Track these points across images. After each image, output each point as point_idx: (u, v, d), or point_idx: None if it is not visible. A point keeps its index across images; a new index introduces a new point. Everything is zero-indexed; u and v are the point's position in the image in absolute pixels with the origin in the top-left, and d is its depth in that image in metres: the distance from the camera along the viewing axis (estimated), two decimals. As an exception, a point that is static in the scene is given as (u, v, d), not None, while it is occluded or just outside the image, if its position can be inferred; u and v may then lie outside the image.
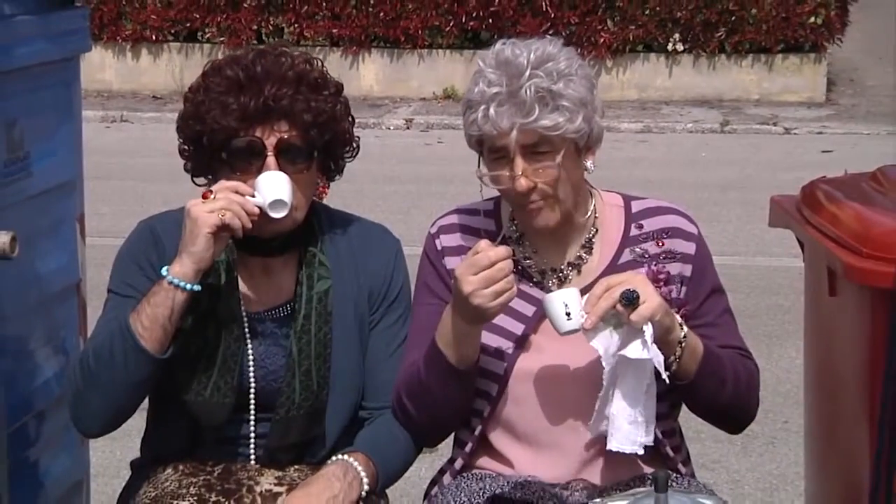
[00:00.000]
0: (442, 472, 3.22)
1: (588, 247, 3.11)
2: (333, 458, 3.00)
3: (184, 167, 3.09)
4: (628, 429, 2.88)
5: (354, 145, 3.12)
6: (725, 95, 14.94)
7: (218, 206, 2.86)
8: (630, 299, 2.80)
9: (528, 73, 2.93)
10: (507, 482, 3.10)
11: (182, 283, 2.86)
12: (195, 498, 2.99)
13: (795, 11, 14.71)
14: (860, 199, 3.37)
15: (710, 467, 5.10)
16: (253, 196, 2.92)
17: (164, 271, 2.87)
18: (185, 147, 3.06)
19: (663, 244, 3.10)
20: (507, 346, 3.04)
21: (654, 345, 2.83)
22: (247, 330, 3.07)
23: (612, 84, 14.45)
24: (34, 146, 3.17)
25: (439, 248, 3.14)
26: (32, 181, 3.17)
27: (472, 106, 2.97)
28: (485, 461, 3.14)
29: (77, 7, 3.35)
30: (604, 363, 2.86)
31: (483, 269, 2.81)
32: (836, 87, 15.49)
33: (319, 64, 3.09)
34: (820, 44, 15.01)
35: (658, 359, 2.83)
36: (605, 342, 2.84)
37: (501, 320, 3.02)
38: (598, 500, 2.54)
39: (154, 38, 15.56)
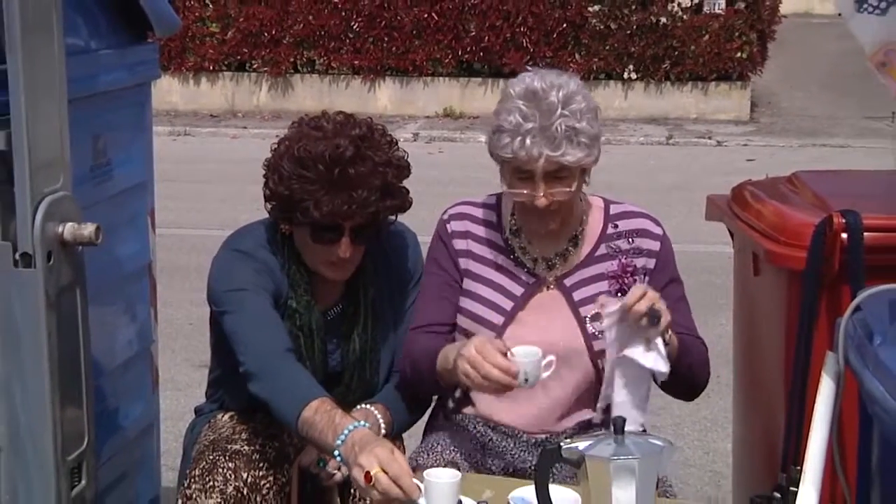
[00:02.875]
0: (434, 415, 3.20)
1: (574, 241, 3.06)
2: (358, 406, 2.98)
3: (265, 206, 2.99)
4: (633, 413, 2.82)
5: (409, 204, 3.04)
6: (670, 115, 14.92)
7: (375, 495, 2.55)
8: (655, 318, 2.73)
9: (558, 112, 2.86)
10: (490, 429, 3.09)
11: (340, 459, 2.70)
12: (245, 442, 2.98)
13: (726, 48, 14.70)
14: (778, 198, 3.37)
15: (656, 413, 5.08)
16: (419, 495, 2.54)
17: (339, 441, 2.65)
18: (271, 200, 2.95)
19: (633, 242, 3.06)
20: (497, 319, 3.01)
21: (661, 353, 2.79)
22: (315, 325, 3.03)
23: (579, 105, 14.46)
24: (114, 155, 3.17)
25: (450, 231, 3.10)
26: (113, 183, 3.17)
27: (506, 132, 2.88)
28: (469, 408, 3.12)
29: (149, 43, 3.35)
30: (609, 352, 2.82)
31: (486, 357, 2.71)
32: (758, 109, 15.47)
33: (396, 153, 2.98)
34: (745, 74, 15.00)
35: (665, 367, 2.80)
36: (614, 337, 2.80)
37: (495, 297, 3.02)
38: (567, 439, 2.53)
39: (211, 68, 15.53)
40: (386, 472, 2.52)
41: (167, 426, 3.62)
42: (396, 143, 3.00)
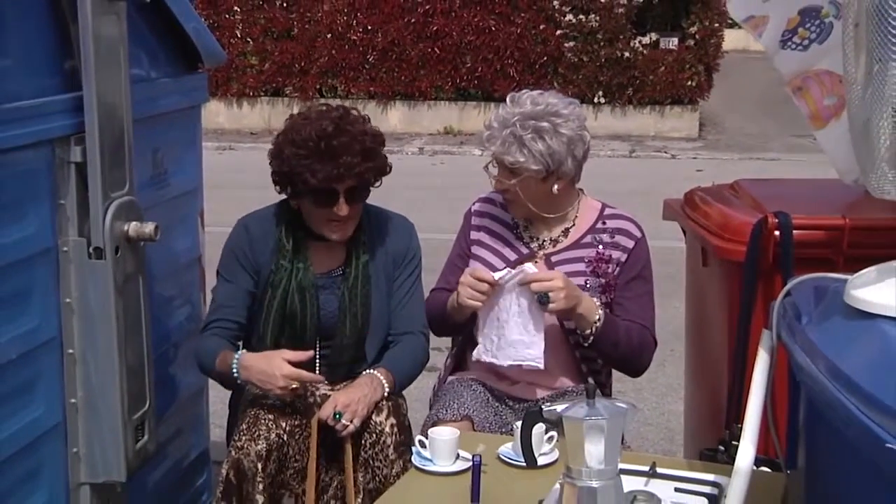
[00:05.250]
0: (441, 379, 3.22)
1: (565, 232, 3.10)
2: (364, 372, 3.01)
3: (274, 188, 3.07)
4: (529, 351, 2.95)
5: (389, 168, 3.09)
6: (633, 133, 14.93)
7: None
8: (542, 301, 2.83)
9: (511, 123, 2.93)
10: (484, 389, 3.10)
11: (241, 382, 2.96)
12: (277, 399, 2.99)
13: (679, 77, 14.74)
14: (722, 202, 3.37)
15: (621, 380, 5.04)
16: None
17: (234, 372, 2.93)
18: (277, 181, 3.04)
19: (614, 238, 3.07)
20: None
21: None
22: (314, 285, 3.07)
23: (557, 125, 14.48)
24: (171, 165, 3.17)
25: (473, 210, 3.20)
26: (170, 189, 3.17)
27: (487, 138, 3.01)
28: (472, 373, 3.14)
29: (199, 72, 3.34)
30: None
31: (477, 279, 2.89)
32: (706, 128, 15.47)
33: (370, 126, 3.05)
34: (694, 99, 15.03)
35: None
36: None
37: (492, 259, 3.10)
38: (548, 403, 2.53)
39: (251, 94, 15.54)
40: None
41: (214, 390, 3.61)
42: (369, 120, 3.09)
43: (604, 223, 3.10)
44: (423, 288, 3.18)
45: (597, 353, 3.05)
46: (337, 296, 3.07)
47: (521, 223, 3.13)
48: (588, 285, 3.02)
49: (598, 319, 2.93)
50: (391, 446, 2.91)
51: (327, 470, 3.00)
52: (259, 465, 2.84)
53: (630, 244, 3.07)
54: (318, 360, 3.08)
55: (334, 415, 2.87)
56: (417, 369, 3.12)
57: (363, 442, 2.92)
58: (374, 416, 2.93)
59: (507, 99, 3.03)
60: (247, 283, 3.07)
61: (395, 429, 2.93)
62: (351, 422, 2.87)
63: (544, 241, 3.11)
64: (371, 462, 2.91)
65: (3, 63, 2.41)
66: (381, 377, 2.99)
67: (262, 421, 2.91)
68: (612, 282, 3.04)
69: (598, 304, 2.96)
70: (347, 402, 2.88)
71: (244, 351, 2.96)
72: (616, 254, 3.06)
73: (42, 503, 2.59)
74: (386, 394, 2.97)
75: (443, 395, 3.08)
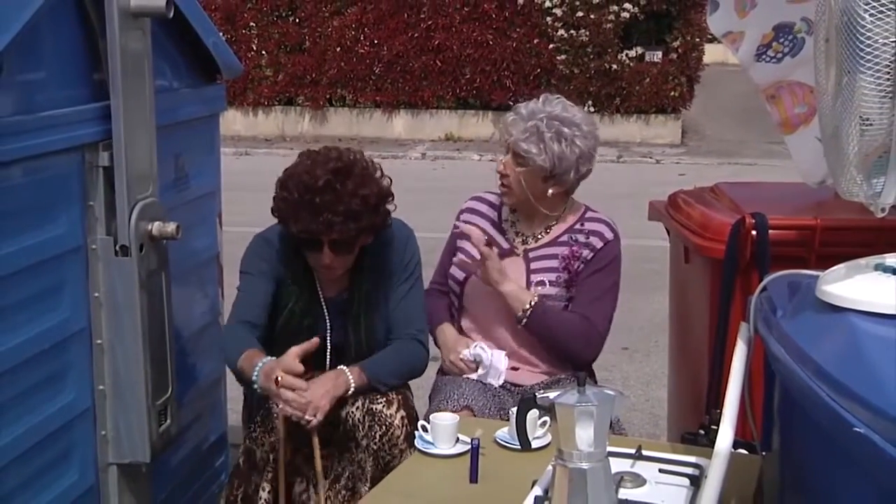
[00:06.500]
0: (442, 373, 3.22)
1: (547, 230, 3.13)
2: (338, 367, 2.92)
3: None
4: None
5: (388, 224, 2.98)
6: (620, 139, 14.91)
7: (288, 394, 2.72)
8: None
9: (537, 117, 2.97)
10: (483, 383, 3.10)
11: (259, 389, 2.81)
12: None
13: (663, 88, 14.71)
14: (703, 204, 3.37)
15: (609, 370, 5.09)
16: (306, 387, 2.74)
17: (255, 377, 2.77)
18: (276, 215, 2.95)
19: (588, 238, 3.09)
20: (472, 266, 3.12)
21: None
22: (324, 308, 3.03)
23: (549, 132, 14.44)
24: (191, 169, 3.18)
25: (463, 207, 3.23)
26: (190, 191, 3.17)
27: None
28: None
29: (218, 84, 3.34)
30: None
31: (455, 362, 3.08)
32: (687, 135, 15.45)
33: (370, 185, 2.87)
34: (677, 108, 15.00)
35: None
36: None
37: (475, 252, 3.07)
38: (541, 391, 2.53)
39: (266, 103, 15.51)
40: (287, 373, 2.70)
41: (231, 379, 3.62)
42: (374, 175, 2.91)
43: (582, 224, 3.13)
44: (422, 292, 3.10)
45: (541, 340, 3.05)
46: (343, 320, 3.01)
47: (509, 220, 3.16)
48: (559, 280, 3.05)
49: (530, 306, 2.98)
50: (401, 437, 2.85)
51: (339, 460, 2.94)
52: (271, 457, 2.82)
53: (599, 245, 3.08)
54: (326, 368, 3.01)
55: None
56: (404, 370, 2.98)
57: (373, 434, 2.86)
58: (384, 409, 2.86)
59: (541, 98, 3.04)
60: (270, 282, 2.99)
61: (405, 420, 2.88)
62: (315, 416, 2.76)
63: (527, 237, 3.14)
64: (380, 452, 2.86)
65: (38, 75, 2.42)
66: (348, 372, 2.87)
67: (274, 412, 2.87)
68: (576, 278, 3.06)
69: (533, 294, 3.00)
70: (310, 399, 2.77)
71: (267, 359, 2.79)
72: (585, 252, 3.08)
73: (74, 481, 2.61)
74: (352, 389, 2.85)
75: (443, 386, 3.08)
